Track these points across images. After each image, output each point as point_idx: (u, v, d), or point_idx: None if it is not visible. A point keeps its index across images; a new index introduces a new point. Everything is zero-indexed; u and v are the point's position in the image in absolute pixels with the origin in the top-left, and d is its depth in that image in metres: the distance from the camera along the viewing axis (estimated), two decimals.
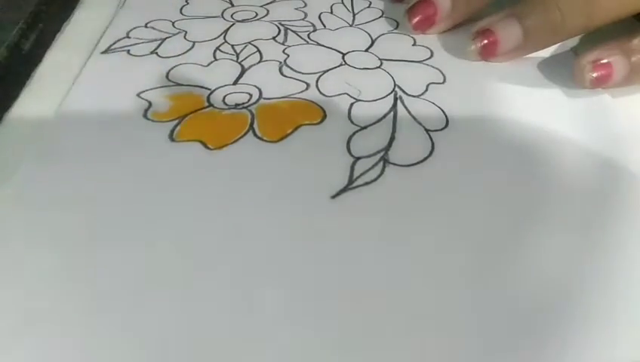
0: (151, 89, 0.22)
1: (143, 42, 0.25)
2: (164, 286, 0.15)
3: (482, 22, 0.24)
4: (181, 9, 0.28)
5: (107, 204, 0.17)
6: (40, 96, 0.22)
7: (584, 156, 0.19)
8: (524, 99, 0.22)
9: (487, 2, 0.25)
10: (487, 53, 0.24)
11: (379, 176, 0.18)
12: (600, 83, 0.22)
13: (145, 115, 0.20)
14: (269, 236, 0.16)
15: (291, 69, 0.23)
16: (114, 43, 0.25)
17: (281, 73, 0.23)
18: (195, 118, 0.20)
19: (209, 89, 0.22)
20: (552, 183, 0.18)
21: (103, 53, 0.24)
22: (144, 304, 0.14)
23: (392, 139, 0.20)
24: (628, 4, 0.22)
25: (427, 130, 0.20)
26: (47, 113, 0.21)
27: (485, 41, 0.23)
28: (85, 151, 0.19)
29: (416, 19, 0.25)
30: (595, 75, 0.21)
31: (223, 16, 0.27)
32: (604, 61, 0.21)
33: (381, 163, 0.19)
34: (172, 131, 0.20)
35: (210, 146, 0.19)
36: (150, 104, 0.21)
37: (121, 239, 0.16)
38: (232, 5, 0.28)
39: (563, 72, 0.23)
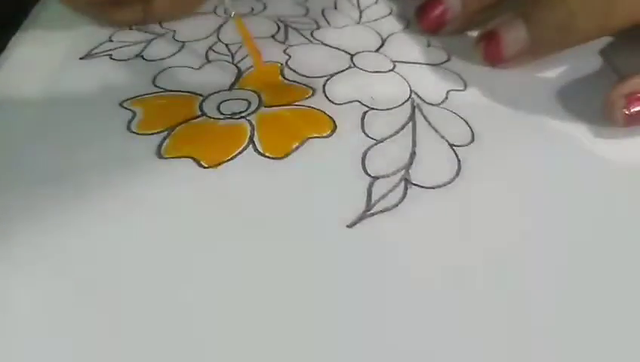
0: (135, 97, 0.19)
1: (127, 45, 0.22)
2: (154, 321, 0.12)
3: (490, 24, 0.21)
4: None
5: (86, 234, 0.15)
6: (7, 109, 0.19)
7: (626, 174, 0.17)
8: (553, 110, 0.19)
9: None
10: (493, 58, 0.21)
11: (401, 200, 0.16)
12: (636, 121, 0.18)
13: (128, 128, 0.18)
14: (274, 271, 0.14)
15: (294, 71, 0.21)
16: (95, 47, 0.22)
17: (283, 76, 0.21)
18: (185, 129, 0.18)
19: (201, 95, 0.19)
20: (594, 206, 0.16)
21: (82, 58, 0.21)
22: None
23: (412, 154, 0.17)
24: None
25: (452, 146, 0.18)
26: (17, 127, 0.18)
27: (488, 45, 0.21)
28: (61, 171, 0.16)
29: (426, 20, 0.23)
30: (629, 111, 0.18)
31: (215, 12, 0.25)
32: None
33: (402, 184, 0.16)
34: (159, 146, 0.17)
35: (203, 164, 0.17)
36: (134, 114, 0.18)
37: (107, 276, 0.13)
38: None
39: (593, 76, 0.21)
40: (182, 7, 0.24)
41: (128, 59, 0.21)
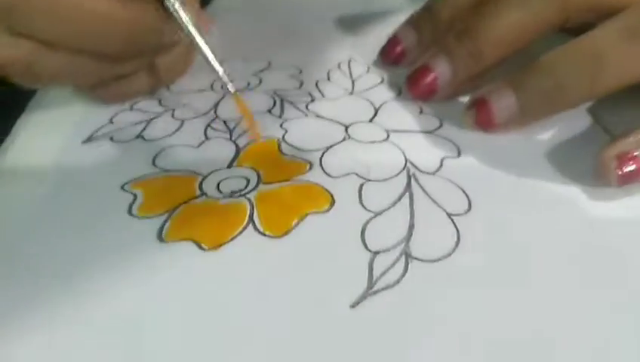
0: (135, 179, 0.19)
1: (127, 126, 0.23)
2: None
3: (479, 91, 0.22)
4: (168, 86, 0.26)
5: (87, 319, 0.14)
6: (10, 194, 0.19)
7: (626, 231, 0.17)
8: (547, 172, 0.20)
9: (488, 67, 0.23)
10: (484, 124, 0.21)
11: (402, 276, 0.16)
12: (629, 180, 0.18)
13: (129, 211, 0.18)
14: (277, 355, 0.14)
15: (291, 146, 0.21)
16: (96, 130, 0.23)
17: (281, 151, 0.21)
18: (186, 211, 0.18)
19: (201, 174, 0.20)
20: (598, 271, 0.16)
21: (84, 142, 0.22)
22: None
23: (411, 226, 0.17)
24: None
25: (449, 215, 0.18)
26: (19, 212, 0.18)
27: (479, 112, 0.21)
28: (62, 258, 0.16)
29: (416, 89, 0.24)
30: (621, 171, 0.18)
31: (212, 88, 0.26)
32: (636, 153, 0.18)
33: (403, 258, 0.16)
34: (161, 229, 0.17)
35: (204, 246, 0.17)
36: (135, 197, 0.19)
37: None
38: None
39: (584, 136, 0.22)
40: (186, 61, 0.25)
41: (129, 140, 0.22)
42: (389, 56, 0.27)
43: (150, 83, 0.24)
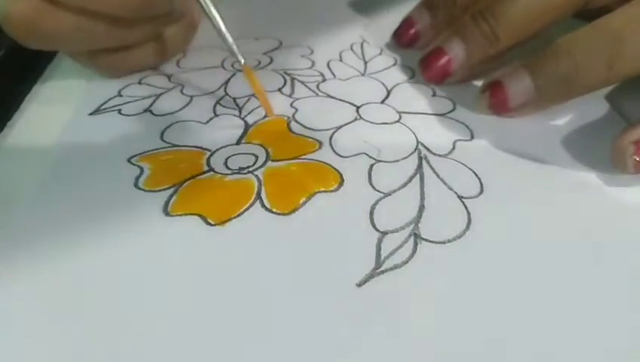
0: (143, 153, 0.19)
1: (135, 100, 0.22)
2: None
3: (495, 74, 0.21)
4: (178, 62, 0.25)
5: (92, 296, 0.14)
6: (17, 165, 0.19)
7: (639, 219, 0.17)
8: (561, 158, 0.19)
9: (503, 50, 0.22)
10: (498, 108, 0.21)
11: (410, 256, 0.15)
12: None
13: (136, 184, 0.18)
14: (282, 331, 0.13)
15: (301, 125, 0.21)
16: (104, 103, 0.22)
17: (290, 129, 0.21)
18: (193, 186, 0.18)
19: (209, 150, 0.19)
20: (610, 254, 0.15)
21: (91, 114, 0.22)
22: None
23: (421, 208, 0.17)
24: None
25: (460, 198, 0.17)
26: (26, 184, 0.18)
27: (493, 95, 0.21)
28: (67, 230, 0.16)
29: (430, 72, 0.23)
30: (639, 158, 0.18)
31: (223, 66, 0.25)
32: None
33: (412, 239, 0.16)
34: (166, 203, 0.17)
35: (210, 221, 0.16)
36: (142, 170, 0.18)
37: (112, 334, 0.13)
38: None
39: (600, 122, 0.21)
40: (192, 33, 0.25)
41: (137, 113, 0.22)
42: (402, 38, 0.26)
43: (155, 55, 0.24)
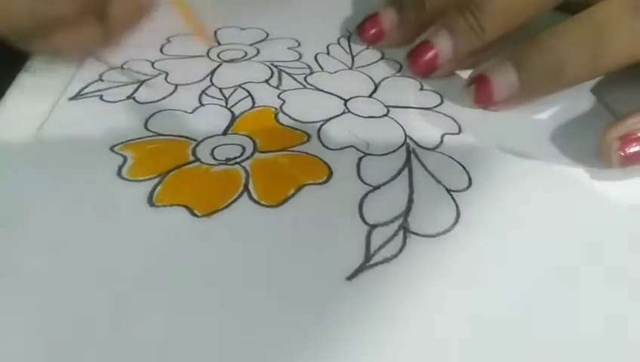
0: (126, 141, 0.19)
1: (118, 86, 0.22)
2: None
3: (479, 67, 0.21)
4: (161, 48, 0.25)
5: (75, 288, 0.14)
6: None
7: (626, 212, 0.17)
8: (548, 151, 0.20)
9: (489, 43, 0.22)
10: (483, 101, 0.21)
11: (400, 250, 0.15)
12: (632, 161, 0.18)
13: (119, 173, 0.17)
14: (269, 324, 0.13)
15: (289, 116, 0.21)
16: (85, 87, 0.22)
17: (278, 121, 0.20)
18: (178, 176, 0.17)
19: (195, 140, 0.19)
20: (596, 247, 0.16)
21: (71, 99, 0.21)
22: None
23: (409, 201, 0.17)
24: None
25: (449, 191, 0.17)
26: (6, 172, 0.17)
27: (478, 89, 0.21)
28: (49, 220, 0.16)
29: (417, 65, 0.23)
30: (624, 153, 0.18)
31: (208, 56, 0.25)
32: None
33: (401, 232, 0.16)
34: (151, 193, 0.17)
35: (197, 213, 0.16)
36: (125, 159, 0.18)
37: (95, 326, 0.13)
38: (219, 44, 0.26)
39: (586, 115, 0.21)
40: (138, 12, 0.23)
41: (120, 100, 0.21)
42: (365, 34, 0.26)
43: (102, 32, 0.22)
